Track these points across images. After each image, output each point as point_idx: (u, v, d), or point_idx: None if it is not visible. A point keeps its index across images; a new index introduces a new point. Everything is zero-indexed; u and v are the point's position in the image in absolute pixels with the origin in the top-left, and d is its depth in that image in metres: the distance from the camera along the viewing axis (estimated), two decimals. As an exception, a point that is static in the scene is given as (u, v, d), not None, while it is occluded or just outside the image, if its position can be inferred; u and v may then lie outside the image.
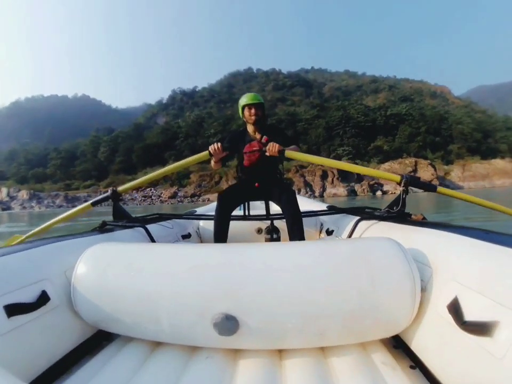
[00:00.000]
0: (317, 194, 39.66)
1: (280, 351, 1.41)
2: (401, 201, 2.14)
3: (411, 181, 2.17)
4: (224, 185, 43.71)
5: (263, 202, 3.34)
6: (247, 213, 2.96)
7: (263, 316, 1.24)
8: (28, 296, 1.27)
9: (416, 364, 1.27)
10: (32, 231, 2.57)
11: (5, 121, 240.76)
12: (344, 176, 43.02)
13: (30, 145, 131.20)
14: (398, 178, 2.22)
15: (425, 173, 42.60)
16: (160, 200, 46.75)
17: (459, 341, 1.04)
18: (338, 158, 53.85)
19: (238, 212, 2.81)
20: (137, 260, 1.44)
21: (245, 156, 2.81)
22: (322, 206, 3.78)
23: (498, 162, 50.62)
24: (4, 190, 58.18)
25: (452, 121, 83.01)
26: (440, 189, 2.33)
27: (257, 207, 3.30)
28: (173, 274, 1.35)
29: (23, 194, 55.92)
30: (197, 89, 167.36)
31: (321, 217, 3.29)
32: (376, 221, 2.14)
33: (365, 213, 2.45)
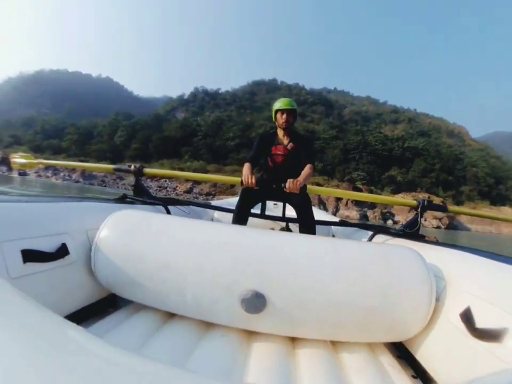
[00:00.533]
0: (330, 213, 38.49)
1: (293, 340, 1.45)
2: (419, 223, 2.28)
3: (427, 205, 2.36)
4: (238, 189, 43.90)
5: (277, 206, 3.66)
6: (263, 213, 2.96)
7: (290, 298, 1.27)
8: (47, 245, 1.28)
9: (418, 374, 1.32)
10: (52, 162, 2.99)
11: (27, 88, 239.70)
12: (359, 200, 42.91)
13: (49, 115, 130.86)
14: (415, 203, 2.44)
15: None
16: (176, 193, 46.68)
17: (469, 347, 1.09)
18: (352, 181, 54.71)
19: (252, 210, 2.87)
20: (166, 229, 1.46)
21: (269, 157, 2.86)
22: (334, 219, 3.86)
23: (507, 211, 51.09)
24: (21, 155, 57.97)
25: (466, 163, 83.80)
26: (450, 208, 2.56)
27: (270, 210, 3.31)
28: (203, 248, 1.36)
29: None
30: (219, 91, 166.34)
31: (333, 228, 3.47)
32: (391, 237, 2.27)
33: (380, 229, 2.54)
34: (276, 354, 1.28)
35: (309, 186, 2.62)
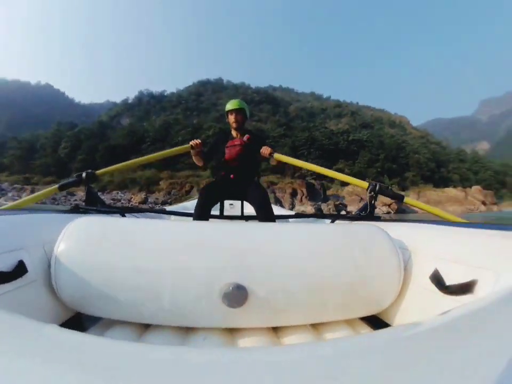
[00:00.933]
0: (286, 209, 39.64)
1: (275, 330, 1.43)
2: (372, 205, 2.33)
3: (379, 188, 2.33)
4: (195, 195, 43.41)
5: (233, 206, 3.76)
6: (222, 213, 3.00)
7: (271, 286, 1.25)
8: (3, 264, 1.16)
9: None
10: None
11: None
12: (312, 195, 45.41)
13: None
14: (365, 184, 2.41)
15: (385, 198, 44.22)
16: (131, 204, 44.88)
17: (443, 304, 1.15)
18: (303, 177, 55.96)
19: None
20: (132, 232, 1.35)
21: (226, 150, 2.94)
22: (291, 213, 3.83)
23: (450, 191, 54.86)
24: (-41, 176, 46.76)
25: (409, 150, 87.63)
26: (407, 199, 2.45)
27: (227, 211, 3.31)
28: (176, 248, 1.30)
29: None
30: (165, 93, 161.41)
31: (291, 221, 3.37)
32: (349, 222, 2.31)
33: (337, 216, 2.59)
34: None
35: (277, 155, 2.80)
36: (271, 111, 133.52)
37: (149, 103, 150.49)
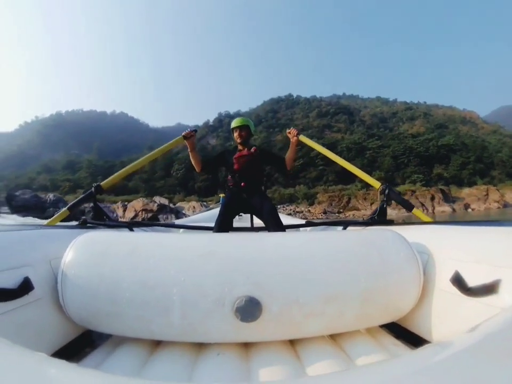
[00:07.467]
0: (430, 211, 45.52)
1: (292, 343, 1.39)
2: (382, 210, 2.33)
3: (389, 192, 2.33)
4: (353, 204, 51.51)
5: (241, 217, 4.15)
6: (231, 224, 2.89)
7: (286, 298, 1.21)
8: (8, 281, 1.11)
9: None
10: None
11: (48, 131, 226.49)
12: (445, 198, 51.19)
13: (82, 156, 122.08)
14: (377, 184, 2.41)
15: (494, 196, 52.00)
16: (314, 215, 45.13)
17: (467, 307, 1.12)
18: (413, 183, 61.45)
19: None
20: (142, 247, 1.32)
21: (234, 161, 2.99)
22: (301, 222, 3.87)
23: None
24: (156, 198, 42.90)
25: (492, 150, 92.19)
26: (415, 210, 2.40)
27: (236, 222, 3.16)
28: (186, 261, 1.25)
29: (192, 206, 41.71)
30: (240, 113, 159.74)
31: (301, 230, 3.36)
32: (362, 227, 2.31)
33: (349, 222, 2.59)
34: (280, 362, 1.22)
35: (302, 136, 3.03)
36: (347, 121, 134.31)
37: (229, 124, 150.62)
